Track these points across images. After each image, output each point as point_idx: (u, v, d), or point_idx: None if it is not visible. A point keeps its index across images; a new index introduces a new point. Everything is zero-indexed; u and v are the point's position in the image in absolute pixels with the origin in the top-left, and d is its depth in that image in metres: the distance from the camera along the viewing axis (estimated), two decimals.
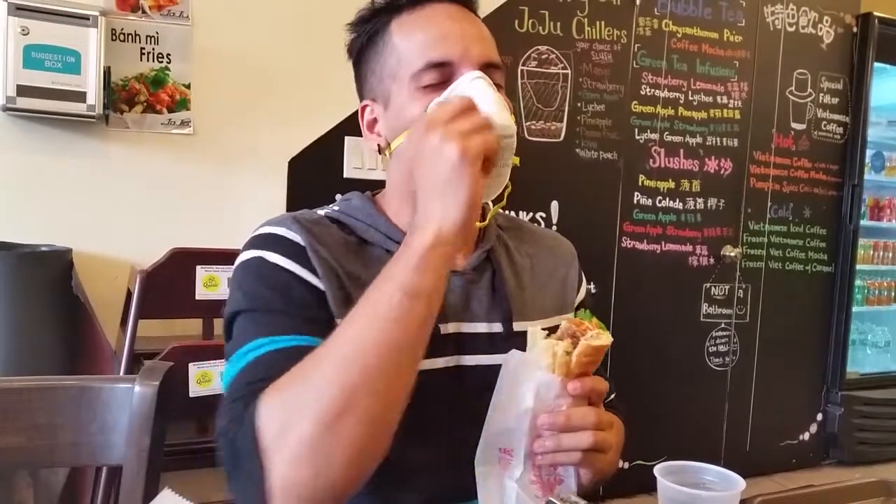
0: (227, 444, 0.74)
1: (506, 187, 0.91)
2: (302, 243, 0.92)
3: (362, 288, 0.90)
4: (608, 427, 0.85)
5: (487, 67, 0.93)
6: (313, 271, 0.90)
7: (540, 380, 0.82)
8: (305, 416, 0.69)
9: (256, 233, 0.95)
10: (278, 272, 0.90)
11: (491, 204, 0.98)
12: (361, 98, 1.04)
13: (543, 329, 0.86)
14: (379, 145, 1.01)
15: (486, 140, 0.78)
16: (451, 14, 0.96)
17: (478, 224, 0.98)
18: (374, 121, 1.01)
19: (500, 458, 0.85)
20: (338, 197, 1.10)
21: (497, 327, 1.00)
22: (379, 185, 1.08)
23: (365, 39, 1.01)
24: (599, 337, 0.82)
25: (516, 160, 0.91)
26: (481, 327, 0.99)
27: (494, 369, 0.88)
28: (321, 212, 1.01)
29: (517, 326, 1.00)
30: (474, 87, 0.89)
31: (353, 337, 0.73)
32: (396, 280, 0.74)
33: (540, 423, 0.82)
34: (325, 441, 0.69)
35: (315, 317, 0.87)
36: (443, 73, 0.92)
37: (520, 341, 0.97)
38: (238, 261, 0.94)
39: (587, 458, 0.84)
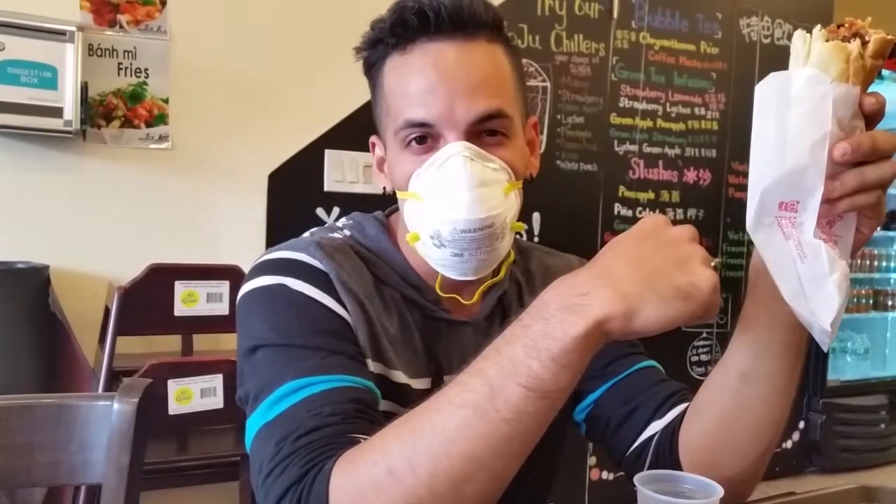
0: None
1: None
2: (326, 271, 0.84)
3: (387, 334, 0.85)
4: None
5: (483, 121, 0.83)
6: (341, 303, 0.83)
7: (836, 92, 0.61)
8: None
9: (272, 257, 0.86)
10: (305, 302, 0.82)
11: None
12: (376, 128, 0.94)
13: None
14: (385, 189, 0.94)
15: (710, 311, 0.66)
16: (441, 59, 0.82)
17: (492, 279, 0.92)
18: (383, 160, 0.93)
19: (777, 219, 0.67)
20: (345, 219, 0.99)
21: None
22: (361, 199, 1.04)
23: (367, 67, 0.91)
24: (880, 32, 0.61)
25: (521, 226, 0.89)
26: None
27: None
28: (337, 235, 0.92)
29: None
30: (446, 170, 0.81)
31: (444, 427, 0.61)
32: (523, 370, 0.60)
33: (840, 154, 0.61)
34: None
35: (347, 351, 0.80)
36: (425, 131, 0.83)
37: None
38: (250, 286, 0.84)
39: (880, 202, 0.66)
